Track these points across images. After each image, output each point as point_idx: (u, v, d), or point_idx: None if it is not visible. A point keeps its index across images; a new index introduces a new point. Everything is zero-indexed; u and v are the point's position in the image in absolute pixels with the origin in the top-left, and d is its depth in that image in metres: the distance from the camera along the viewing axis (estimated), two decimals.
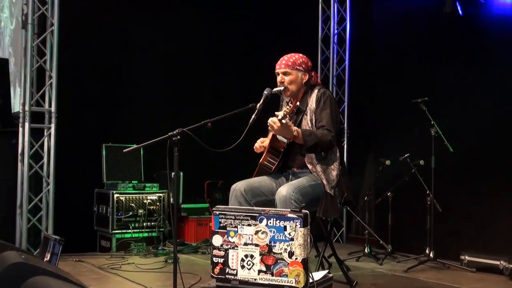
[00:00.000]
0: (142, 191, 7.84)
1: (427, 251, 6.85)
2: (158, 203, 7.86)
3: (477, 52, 7.41)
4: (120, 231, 7.58)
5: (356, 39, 9.49)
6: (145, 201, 7.79)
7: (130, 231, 7.63)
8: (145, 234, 7.71)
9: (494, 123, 7.06)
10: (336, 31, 9.58)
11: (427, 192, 6.89)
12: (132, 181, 7.89)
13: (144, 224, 7.71)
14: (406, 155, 7.15)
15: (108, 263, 6.71)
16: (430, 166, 6.90)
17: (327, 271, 4.18)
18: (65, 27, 7.44)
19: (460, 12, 7.27)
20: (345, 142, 9.17)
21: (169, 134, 4.37)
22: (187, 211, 8.16)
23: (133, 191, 7.77)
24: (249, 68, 8.81)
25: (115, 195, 7.60)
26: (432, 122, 6.85)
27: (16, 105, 7.70)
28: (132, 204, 7.68)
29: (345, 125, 9.32)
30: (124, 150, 4.88)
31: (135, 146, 4.74)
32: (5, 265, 3.82)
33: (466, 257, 6.66)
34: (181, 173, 8.02)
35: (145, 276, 6.01)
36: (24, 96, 7.18)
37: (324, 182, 4.54)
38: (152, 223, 7.77)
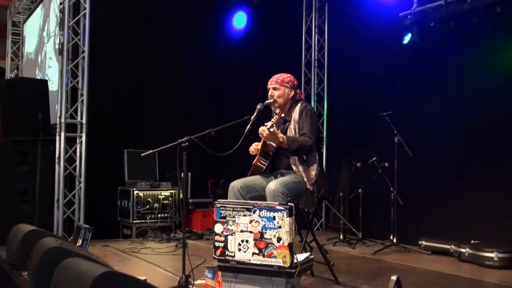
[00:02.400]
0: (157, 188, 7.83)
1: (391, 237, 6.88)
2: (170, 198, 7.86)
3: (430, 73, 7.46)
4: (139, 221, 7.58)
5: (333, 64, 9.51)
6: (159, 196, 7.78)
7: (147, 221, 7.63)
8: (160, 224, 7.71)
9: (444, 132, 7.12)
10: (316, 57, 9.59)
11: (391, 188, 6.92)
12: (149, 180, 7.89)
13: (159, 215, 7.71)
14: (374, 158, 7.20)
15: (129, 247, 6.73)
16: (394, 167, 6.92)
17: (308, 253, 4.16)
18: (94, 53, 7.47)
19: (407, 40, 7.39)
20: (324, 148, 9.19)
21: (179, 141, 4.38)
22: (194, 204, 8.18)
23: (150, 188, 7.77)
24: (246, 86, 8.80)
25: (135, 192, 7.60)
26: (395, 132, 6.88)
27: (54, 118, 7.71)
28: (149, 199, 7.67)
29: (324, 134, 9.33)
30: (142, 154, 4.85)
31: (151, 151, 4.74)
32: (45, 249, 3.84)
33: (423, 242, 6.68)
34: (189, 174, 8.03)
35: (159, 258, 6.00)
36: (61, 110, 7.22)
37: (305, 179, 4.56)
38: (165, 215, 7.77)
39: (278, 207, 3.54)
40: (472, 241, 6.10)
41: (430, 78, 7.47)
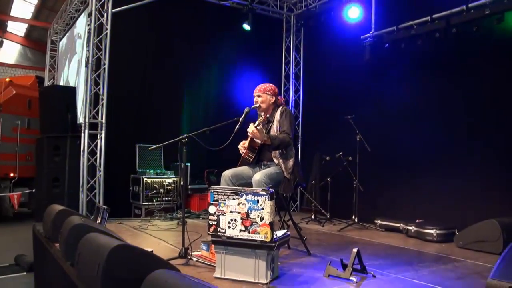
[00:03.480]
0: (162, 176, 7.76)
1: (353, 217, 6.87)
2: (173, 185, 7.78)
3: (384, 84, 7.51)
4: (147, 203, 7.53)
5: (307, 76, 9.50)
6: (164, 183, 7.71)
7: (154, 203, 7.58)
8: (164, 205, 7.67)
9: (395, 132, 7.20)
10: (294, 71, 9.58)
11: (354, 178, 6.91)
12: (156, 169, 7.83)
13: (164, 198, 7.67)
14: (340, 153, 7.18)
15: (139, 224, 6.66)
16: (356, 160, 6.92)
17: (285, 230, 4.16)
18: (112, 66, 7.46)
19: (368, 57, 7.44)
20: (300, 145, 9.18)
21: (180, 137, 4.35)
22: (192, 190, 8.09)
23: (156, 176, 7.69)
24: (237, 93, 8.79)
25: (144, 179, 7.54)
26: (357, 132, 6.88)
27: (80, 118, 7.69)
28: (155, 185, 7.61)
29: (300, 133, 9.32)
30: (149, 148, 4.82)
31: (157, 145, 4.70)
32: (71, 225, 3.82)
33: (379, 221, 6.69)
34: (189, 164, 7.99)
35: (163, 234, 5.94)
36: (85, 112, 7.22)
37: (283, 169, 4.54)
38: (169, 198, 7.73)
39: (261, 192, 3.52)
40: (417, 220, 6.12)
41: (384, 88, 7.51)
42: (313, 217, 7.44)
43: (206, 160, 8.10)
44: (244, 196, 3.55)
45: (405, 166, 6.98)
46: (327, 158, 7.56)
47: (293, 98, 9.53)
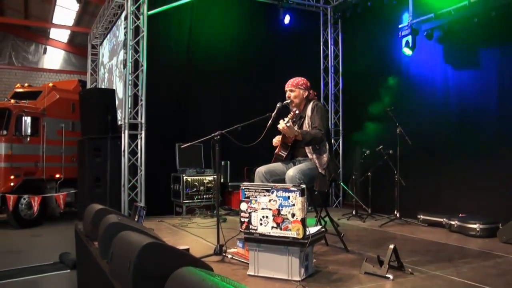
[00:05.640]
0: (202, 174, 7.86)
1: (395, 212, 6.74)
2: (213, 182, 7.86)
3: (424, 74, 7.34)
4: (188, 201, 7.64)
5: (346, 69, 9.39)
6: (204, 181, 7.81)
7: (194, 201, 7.69)
8: (205, 203, 7.77)
9: (437, 124, 7.04)
10: (332, 64, 9.48)
11: (395, 172, 6.78)
12: (195, 168, 7.92)
13: (204, 196, 7.77)
14: (380, 146, 7.06)
15: (179, 222, 6.78)
16: (396, 154, 6.79)
17: (320, 226, 4.11)
18: (150, 66, 7.59)
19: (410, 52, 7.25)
20: (341, 139, 9.08)
21: (212, 135, 4.39)
22: (232, 187, 8.15)
23: (196, 174, 7.79)
24: (273, 88, 8.76)
25: (185, 177, 7.65)
26: (397, 124, 6.75)
27: (120, 119, 7.86)
28: (196, 183, 7.72)
29: (341, 127, 9.23)
30: (181, 146, 4.91)
31: (188, 143, 4.77)
32: (107, 224, 3.92)
33: (421, 216, 6.53)
34: (228, 162, 8.06)
35: (202, 231, 6.01)
36: (125, 113, 7.35)
37: (317, 165, 4.47)
38: (209, 196, 7.82)
39: (292, 188, 3.51)
40: (460, 215, 5.95)
41: (424, 77, 7.34)
42: (354, 212, 7.34)
43: (246, 158, 8.11)
44: (275, 193, 3.54)
45: (447, 159, 6.80)
46: (367, 152, 7.45)
47: (332, 91, 9.42)
